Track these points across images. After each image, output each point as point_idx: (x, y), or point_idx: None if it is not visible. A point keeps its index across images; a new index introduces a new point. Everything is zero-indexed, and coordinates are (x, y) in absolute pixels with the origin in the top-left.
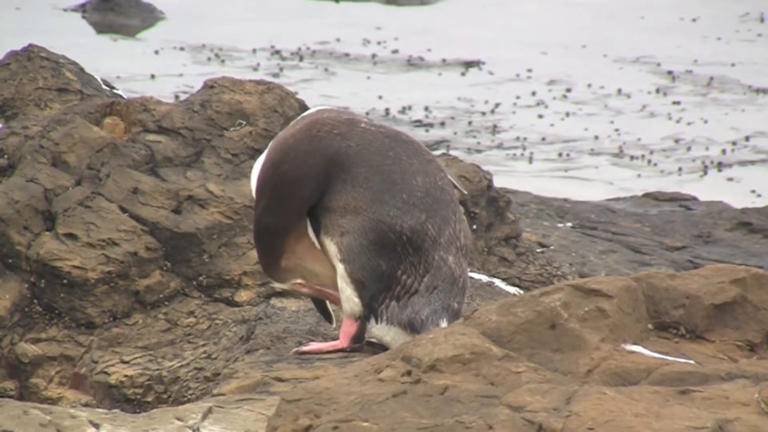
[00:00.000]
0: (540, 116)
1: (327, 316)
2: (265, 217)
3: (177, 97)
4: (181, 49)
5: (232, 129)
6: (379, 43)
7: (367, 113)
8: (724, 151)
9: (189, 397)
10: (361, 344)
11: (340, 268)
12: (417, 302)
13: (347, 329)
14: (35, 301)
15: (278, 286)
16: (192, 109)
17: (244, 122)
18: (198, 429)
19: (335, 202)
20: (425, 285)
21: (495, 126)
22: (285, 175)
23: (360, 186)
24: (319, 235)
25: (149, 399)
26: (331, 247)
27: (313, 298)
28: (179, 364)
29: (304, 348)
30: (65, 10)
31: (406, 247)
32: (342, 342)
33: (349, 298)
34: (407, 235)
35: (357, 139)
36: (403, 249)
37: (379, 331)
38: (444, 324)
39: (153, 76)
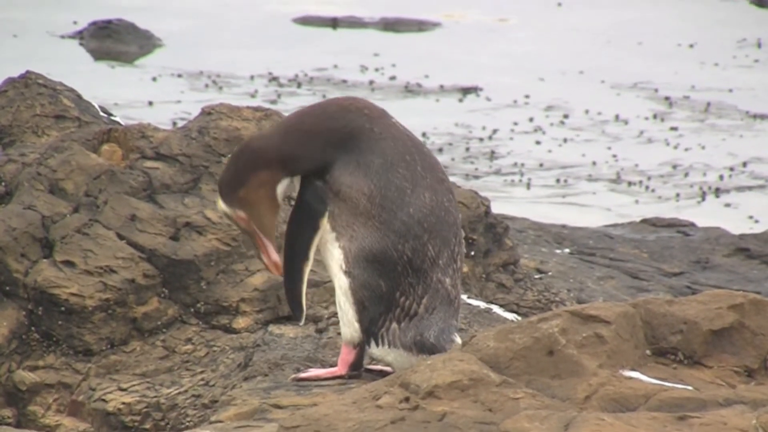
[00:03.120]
0: (537, 142)
1: (297, 311)
2: (260, 143)
3: (175, 123)
4: (179, 75)
5: (229, 156)
6: (376, 69)
7: None
8: (721, 177)
9: (187, 424)
10: (360, 372)
11: (344, 282)
12: (420, 324)
13: (345, 357)
14: (33, 328)
15: (222, 207)
16: (190, 135)
17: None
18: None
19: (345, 187)
20: (424, 306)
21: (493, 152)
22: (303, 122)
23: (371, 181)
24: (321, 217)
25: (147, 426)
26: (335, 251)
27: (287, 291)
28: (177, 391)
29: (302, 375)
30: (62, 37)
31: (406, 268)
32: (340, 369)
33: (350, 322)
34: (408, 255)
35: (383, 127)
36: (403, 269)
37: (379, 352)
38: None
39: (151, 103)
